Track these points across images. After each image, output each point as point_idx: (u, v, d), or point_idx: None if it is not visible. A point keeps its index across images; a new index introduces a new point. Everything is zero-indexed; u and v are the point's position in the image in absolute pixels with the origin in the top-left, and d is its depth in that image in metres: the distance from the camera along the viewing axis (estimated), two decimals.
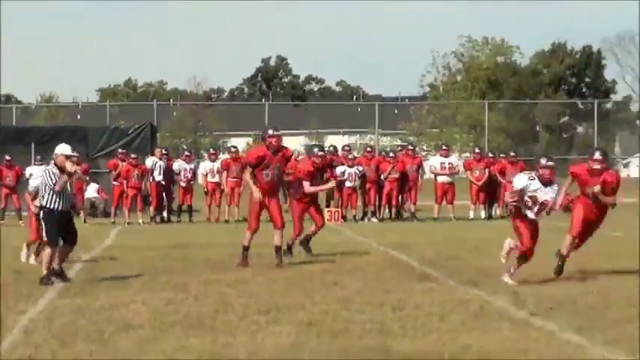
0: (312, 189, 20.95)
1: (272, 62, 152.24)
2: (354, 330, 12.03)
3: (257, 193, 19.74)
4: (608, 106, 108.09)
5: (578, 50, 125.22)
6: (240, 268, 19.58)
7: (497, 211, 37.87)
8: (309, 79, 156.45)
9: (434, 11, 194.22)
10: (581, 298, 14.38)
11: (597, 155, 16.78)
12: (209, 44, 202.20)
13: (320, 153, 22.28)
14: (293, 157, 21.88)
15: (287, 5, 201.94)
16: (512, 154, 42.23)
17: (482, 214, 36.89)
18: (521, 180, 15.72)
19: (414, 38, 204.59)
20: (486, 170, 37.48)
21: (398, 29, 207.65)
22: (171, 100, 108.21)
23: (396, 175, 36.47)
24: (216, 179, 36.45)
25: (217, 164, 36.72)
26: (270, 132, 20.38)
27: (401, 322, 12.49)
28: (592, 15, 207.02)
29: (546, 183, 15.51)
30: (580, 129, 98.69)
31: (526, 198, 15.44)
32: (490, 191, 37.50)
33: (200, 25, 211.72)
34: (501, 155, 41.37)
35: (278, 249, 19.93)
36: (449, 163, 37.72)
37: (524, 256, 16.42)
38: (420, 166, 38.72)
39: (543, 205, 15.55)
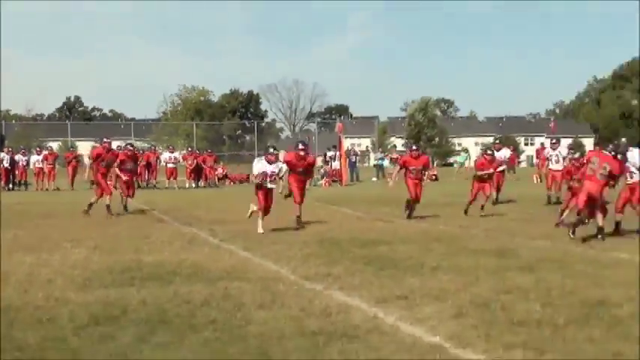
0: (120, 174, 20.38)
1: (72, 99, 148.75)
2: (120, 248, 12.08)
3: (89, 176, 20.54)
4: (263, 125, 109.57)
5: (246, 92, 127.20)
6: (60, 216, 19.13)
7: (201, 183, 37.63)
8: (94, 108, 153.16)
9: (158, 66, 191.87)
10: (250, 232, 14.43)
11: (301, 146, 16.39)
12: (37, 86, 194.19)
13: (131, 148, 21.75)
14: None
15: (77, 60, 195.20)
16: (209, 150, 42.64)
17: (194, 185, 36.69)
18: (260, 165, 14.78)
19: (155, 84, 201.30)
20: (195, 160, 37.44)
21: (146, 78, 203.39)
22: (14, 120, 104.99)
23: (144, 163, 36.15)
24: (41, 165, 35.64)
25: (41, 157, 35.96)
26: (105, 140, 20.24)
27: (148, 246, 12.51)
28: (255, 71, 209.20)
29: (271, 163, 14.73)
30: (247, 137, 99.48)
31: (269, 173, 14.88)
32: (197, 171, 37.33)
33: (30, 72, 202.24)
34: (204, 152, 41.41)
35: (108, 207, 18.95)
36: (174, 157, 37.43)
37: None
38: (158, 157, 38.51)
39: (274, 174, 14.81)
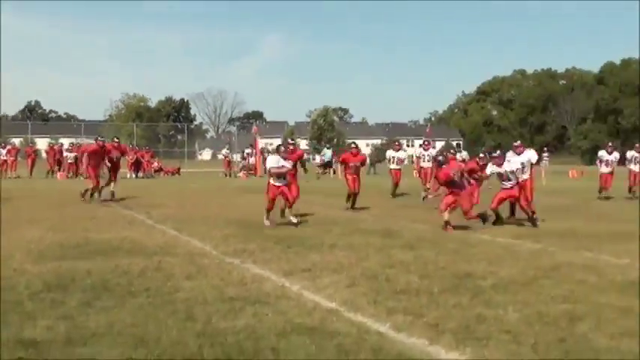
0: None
1: (32, 102, 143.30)
2: (71, 227, 11.71)
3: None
4: (192, 127, 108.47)
5: (178, 99, 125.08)
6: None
7: (140, 174, 36.40)
8: (51, 111, 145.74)
9: (106, 76, 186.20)
10: (179, 215, 14.31)
11: (290, 141, 15.70)
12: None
13: (117, 141, 20.69)
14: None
15: (40, 70, 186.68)
16: (147, 147, 42.05)
17: (134, 176, 35.24)
18: (276, 159, 13.15)
19: (103, 91, 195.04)
20: (135, 155, 36.53)
21: (96, 86, 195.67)
22: None
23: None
24: (5, 158, 34.53)
25: (5, 151, 34.80)
26: (99, 138, 19.09)
27: (95, 226, 12.25)
28: (186, 82, 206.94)
29: (285, 159, 13.23)
30: (179, 137, 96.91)
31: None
32: (137, 165, 36.06)
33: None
34: (143, 148, 40.28)
35: (85, 192, 18.25)
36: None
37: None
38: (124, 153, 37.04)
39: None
